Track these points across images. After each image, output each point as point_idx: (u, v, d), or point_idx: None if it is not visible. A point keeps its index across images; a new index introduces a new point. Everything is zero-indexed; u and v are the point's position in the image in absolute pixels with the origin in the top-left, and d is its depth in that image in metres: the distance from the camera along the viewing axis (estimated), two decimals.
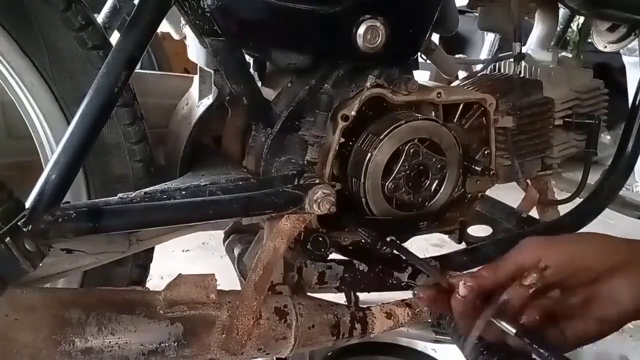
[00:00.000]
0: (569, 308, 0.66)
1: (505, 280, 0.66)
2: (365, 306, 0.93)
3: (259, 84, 0.96)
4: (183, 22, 1.01)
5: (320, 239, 0.92)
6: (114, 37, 0.96)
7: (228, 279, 0.98)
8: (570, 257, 0.65)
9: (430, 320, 0.93)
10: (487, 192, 1.10)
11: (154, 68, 2.73)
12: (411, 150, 0.91)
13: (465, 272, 0.72)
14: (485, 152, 1.05)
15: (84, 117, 0.71)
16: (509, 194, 1.22)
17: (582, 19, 1.66)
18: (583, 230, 1.13)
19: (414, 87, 0.93)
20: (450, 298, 0.67)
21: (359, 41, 0.85)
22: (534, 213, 1.21)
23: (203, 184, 0.83)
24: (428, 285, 0.72)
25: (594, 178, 1.17)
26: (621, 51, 1.42)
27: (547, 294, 0.66)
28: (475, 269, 0.69)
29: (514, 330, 0.63)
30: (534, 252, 0.66)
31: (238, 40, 0.84)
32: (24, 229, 0.65)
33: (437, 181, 0.96)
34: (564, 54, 1.29)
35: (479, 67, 1.41)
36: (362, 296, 0.99)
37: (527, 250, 0.67)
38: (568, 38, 1.70)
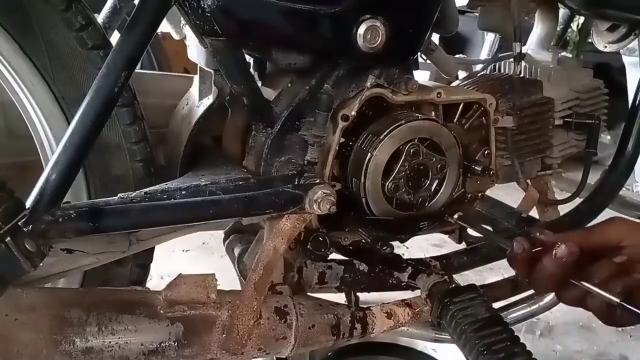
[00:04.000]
0: None
1: (590, 251, 0.71)
2: (365, 306, 0.93)
3: (259, 84, 0.96)
4: (183, 22, 1.01)
5: (321, 239, 0.92)
6: (114, 37, 0.96)
7: (228, 279, 0.99)
8: None
9: (430, 320, 0.93)
10: (487, 192, 1.11)
11: (154, 68, 2.73)
12: (411, 150, 0.91)
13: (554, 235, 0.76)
14: (485, 152, 1.05)
15: (84, 117, 0.71)
16: (509, 194, 1.22)
17: (582, 19, 1.66)
18: None
19: (414, 87, 0.93)
20: (536, 260, 0.73)
21: (359, 41, 0.85)
22: (534, 213, 1.20)
23: (203, 184, 0.83)
24: (526, 239, 0.76)
25: (594, 178, 1.17)
26: (621, 51, 1.42)
27: (628, 273, 0.71)
28: (563, 234, 0.74)
29: (618, 300, 0.67)
30: (619, 231, 0.72)
31: (238, 40, 0.84)
32: (24, 229, 0.65)
33: (437, 181, 0.96)
34: (564, 54, 1.29)
35: (479, 67, 1.41)
36: (362, 296, 0.99)
37: (613, 228, 0.73)
38: (568, 38, 1.70)
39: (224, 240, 1.17)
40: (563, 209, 1.22)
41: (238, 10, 0.80)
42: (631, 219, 0.76)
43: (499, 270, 1.63)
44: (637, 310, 0.66)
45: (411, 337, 1.29)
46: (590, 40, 1.37)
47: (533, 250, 0.75)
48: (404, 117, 0.91)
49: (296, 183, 0.85)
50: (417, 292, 0.96)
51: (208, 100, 0.95)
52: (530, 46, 1.31)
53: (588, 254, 0.73)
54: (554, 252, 0.71)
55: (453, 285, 0.92)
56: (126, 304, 0.77)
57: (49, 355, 0.70)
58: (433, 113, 0.99)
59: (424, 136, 0.92)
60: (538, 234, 0.76)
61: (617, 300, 0.67)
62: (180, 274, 0.80)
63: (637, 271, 0.71)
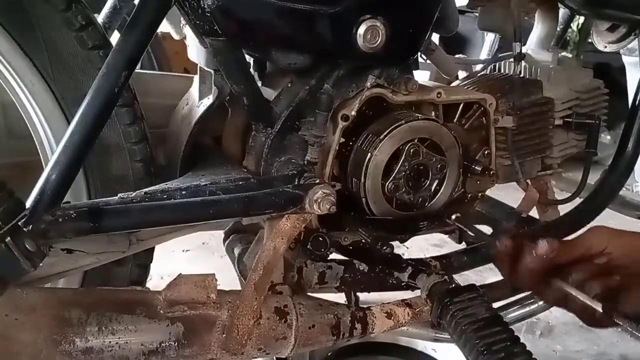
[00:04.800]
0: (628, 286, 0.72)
1: (572, 258, 0.74)
2: (365, 306, 0.93)
3: (259, 84, 0.96)
4: (183, 22, 1.01)
5: (321, 238, 0.92)
6: (114, 37, 0.96)
7: (228, 279, 0.99)
8: (633, 247, 0.73)
9: (430, 320, 0.93)
10: (487, 192, 1.10)
11: (154, 68, 2.73)
12: (411, 150, 0.91)
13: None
14: (485, 152, 1.05)
15: (84, 117, 0.71)
16: (509, 194, 1.23)
17: (582, 19, 1.66)
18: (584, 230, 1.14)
19: (414, 87, 0.93)
20: (519, 260, 0.75)
21: (359, 41, 0.85)
22: (534, 213, 1.21)
23: (203, 184, 0.83)
24: (509, 238, 0.78)
25: (594, 178, 1.17)
26: (621, 51, 1.42)
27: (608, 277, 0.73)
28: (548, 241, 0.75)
29: (599, 307, 0.68)
30: (602, 239, 0.74)
31: (238, 40, 0.84)
32: (24, 229, 0.65)
33: (437, 181, 0.96)
34: (564, 54, 1.29)
35: (479, 67, 1.41)
36: (362, 296, 0.99)
37: (596, 236, 0.75)
38: (568, 38, 1.70)
39: (224, 240, 1.17)
40: (563, 209, 1.22)
41: (238, 10, 0.80)
42: (613, 227, 0.77)
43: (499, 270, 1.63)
44: (618, 319, 0.68)
45: (411, 337, 1.29)
46: (590, 40, 1.37)
47: (515, 249, 0.76)
48: (404, 117, 0.91)
49: (296, 183, 0.85)
50: (417, 292, 0.96)
51: (208, 100, 0.95)
52: (530, 46, 1.31)
53: (572, 262, 0.74)
54: (535, 249, 0.73)
55: (453, 285, 0.92)
56: (126, 304, 0.77)
57: (49, 355, 0.70)
58: (433, 113, 0.99)
59: (424, 136, 0.92)
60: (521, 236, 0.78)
61: (598, 306, 0.68)
62: (180, 274, 0.80)
63: (618, 275, 0.73)
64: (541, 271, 0.73)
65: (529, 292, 1.25)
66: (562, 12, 1.36)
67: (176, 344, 0.77)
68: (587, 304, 0.69)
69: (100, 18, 1.32)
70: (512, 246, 0.76)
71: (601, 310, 0.68)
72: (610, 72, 2.35)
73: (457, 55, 1.88)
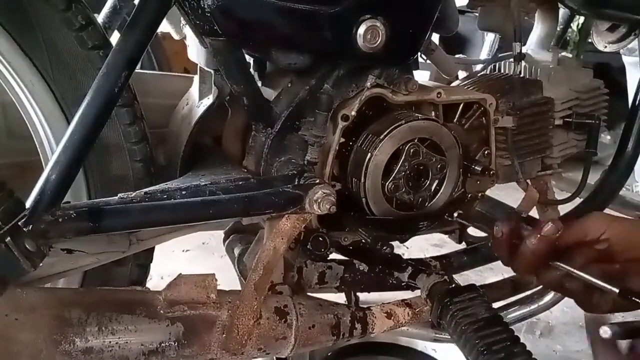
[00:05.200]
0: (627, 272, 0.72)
1: (570, 242, 0.74)
2: (365, 306, 0.93)
3: (259, 84, 0.96)
4: (183, 22, 1.01)
5: (321, 238, 0.92)
6: (114, 37, 0.96)
7: (228, 279, 0.99)
8: (630, 233, 0.74)
9: (430, 320, 0.93)
10: (487, 192, 1.11)
11: (154, 68, 2.73)
12: (411, 150, 0.91)
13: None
14: (485, 152, 1.05)
15: (84, 117, 0.71)
16: (509, 194, 1.23)
17: (582, 19, 1.66)
18: None
19: (414, 87, 0.93)
20: (516, 244, 0.75)
21: (359, 41, 0.85)
22: (534, 213, 1.20)
23: (203, 184, 0.83)
24: (509, 221, 0.78)
25: (594, 178, 1.17)
26: (621, 51, 1.42)
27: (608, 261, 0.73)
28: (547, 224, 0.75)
29: (616, 290, 0.67)
30: (599, 224, 0.74)
31: (238, 40, 0.84)
32: (24, 229, 0.65)
33: (437, 181, 0.96)
34: (564, 54, 1.30)
35: (479, 67, 1.41)
36: (362, 296, 0.99)
37: (594, 222, 0.75)
38: (568, 38, 1.70)
39: (224, 240, 1.17)
40: (563, 209, 1.22)
41: (238, 10, 0.80)
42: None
43: (499, 270, 1.63)
44: (637, 300, 0.67)
45: (411, 337, 1.29)
46: (590, 40, 1.37)
47: (516, 232, 0.76)
48: (404, 117, 0.91)
49: (296, 183, 0.85)
50: (417, 292, 0.96)
51: (208, 100, 0.95)
52: (530, 46, 1.31)
53: (570, 247, 0.74)
54: (540, 229, 0.72)
55: (453, 285, 0.92)
56: (126, 304, 0.77)
57: (49, 355, 0.70)
58: (433, 113, 0.99)
59: (424, 136, 0.92)
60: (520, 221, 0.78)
61: (615, 289, 0.67)
62: (180, 274, 0.80)
63: (617, 262, 0.73)
64: (543, 253, 0.73)
65: (528, 292, 1.26)
66: (562, 12, 1.37)
67: (176, 344, 0.77)
68: (597, 285, 0.68)
69: (100, 18, 1.31)
70: (509, 230, 0.76)
71: (617, 292, 0.67)
72: (610, 72, 2.35)
73: (457, 55, 1.88)
